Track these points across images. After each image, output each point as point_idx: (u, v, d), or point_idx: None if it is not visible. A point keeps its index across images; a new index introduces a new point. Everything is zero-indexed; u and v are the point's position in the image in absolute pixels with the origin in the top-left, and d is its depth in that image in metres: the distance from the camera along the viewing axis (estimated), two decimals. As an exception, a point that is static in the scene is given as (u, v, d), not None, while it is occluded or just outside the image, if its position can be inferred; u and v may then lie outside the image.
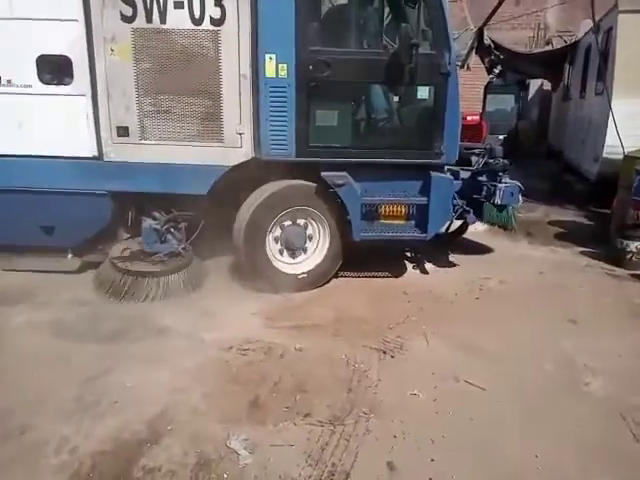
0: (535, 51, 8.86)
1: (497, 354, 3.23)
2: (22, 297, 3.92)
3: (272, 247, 4.13)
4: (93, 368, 3.00)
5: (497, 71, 8.02)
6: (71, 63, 3.75)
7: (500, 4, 6.78)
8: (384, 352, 3.24)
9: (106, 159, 3.93)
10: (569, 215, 6.96)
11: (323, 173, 3.93)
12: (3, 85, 3.79)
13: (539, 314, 3.83)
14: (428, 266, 4.76)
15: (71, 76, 3.78)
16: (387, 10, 4.04)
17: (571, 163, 8.66)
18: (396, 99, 4.13)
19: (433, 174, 4.00)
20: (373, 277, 4.43)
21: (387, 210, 4.16)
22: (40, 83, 3.80)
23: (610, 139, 6.50)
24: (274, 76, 3.73)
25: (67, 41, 3.72)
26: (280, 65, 3.71)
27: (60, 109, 3.84)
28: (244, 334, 3.39)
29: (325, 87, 3.78)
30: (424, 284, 4.38)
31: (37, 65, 3.76)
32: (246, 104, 3.81)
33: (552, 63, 8.59)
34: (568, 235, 5.98)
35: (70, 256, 4.38)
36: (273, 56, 3.70)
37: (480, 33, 7.10)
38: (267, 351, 3.22)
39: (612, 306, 4.03)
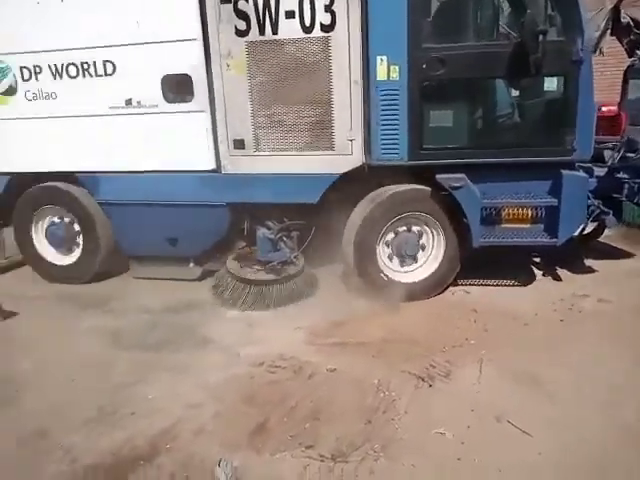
0: None
1: (563, 393, 2.74)
2: (94, 302, 4.21)
3: (383, 254, 4.01)
4: (126, 377, 3.07)
5: None
6: (192, 81, 3.93)
7: None
8: (423, 380, 2.91)
9: (224, 172, 4.08)
10: None
11: (438, 176, 3.73)
12: (134, 106, 4.09)
13: (636, 347, 3.19)
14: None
15: (192, 93, 3.97)
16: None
17: None
18: (520, 93, 3.79)
19: (564, 172, 3.62)
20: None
21: (510, 213, 3.84)
22: (165, 102, 4.04)
23: None
24: (386, 79, 3.60)
25: (188, 60, 3.91)
26: (392, 67, 3.57)
27: (183, 125, 4.05)
28: (280, 350, 3.27)
29: (439, 86, 3.58)
30: (501, 300, 3.90)
31: (162, 85, 4.00)
32: (357, 110, 3.72)
33: None
34: None
35: (192, 265, 4.62)
36: (384, 57, 3.57)
37: (616, 11, 6.29)
38: (297, 370, 3.07)
39: None
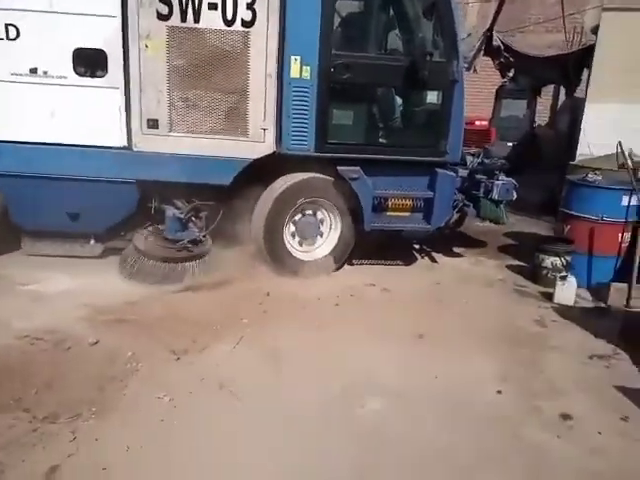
0: (548, 54, 8.43)
1: (294, 368, 3.08)
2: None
3: (288, 234, 4.44)
4: None
5: (510, 75, 7.83)
6: (106, 57, 3.95)
7: (501, 5, 6.88)
8: (175, 353, 3.15)
9: (135, 149, 4.16)
10: (536, 227, 6.44)
11: (339, 167, 4.26)
12: (39, 76, 3.97)
13: (389, 325, 3.63)
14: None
15: (105, 69, 3.99)
16: (402, 19, 4.39)
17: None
18: (407, 102, 4.48)
19: (439, 170, 4.40)
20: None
21: (395, 203, 4.53)
22: (75, 75, 3.99)
23: (583, 146, 6.48)
24: (298, 77, 4.03)
25: (103, 36, 3.92)
26: (304, 67, 4.02)
27: (94, 100, 4.04)
28: (53, 324, 3.35)
29: (344, 88, 4.11)
30: (296, 287, 4.19)
31: (73, 57, 3.95)
32: (270, 102, 4.10)
33: (567, 67, 7.98)
34: (511, 247, 5.81)
35: (92, 242, 4.58)
36: (298, 58, 4.00)
37: (489, 34, 7.22)
38: (58, 342, 3.17)
39: (483, 326, 3.75)
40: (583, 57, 7.59)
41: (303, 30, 3.96)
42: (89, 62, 3.99)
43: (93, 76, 4.03)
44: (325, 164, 4.31)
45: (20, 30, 3.88)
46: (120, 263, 4.36)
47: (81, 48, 3.94)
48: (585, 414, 2.84)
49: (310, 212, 4.49)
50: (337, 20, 4.07)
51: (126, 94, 4.04)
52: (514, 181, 4.64)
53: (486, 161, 4.87)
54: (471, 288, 4.52)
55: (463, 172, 4.97)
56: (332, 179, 4.34)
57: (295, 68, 4.02)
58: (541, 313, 4.12)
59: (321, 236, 4.55)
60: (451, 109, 4.25)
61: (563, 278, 4.31)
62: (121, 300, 3.79)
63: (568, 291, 4.29)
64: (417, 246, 5.44)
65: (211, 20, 3.91)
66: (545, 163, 8.60)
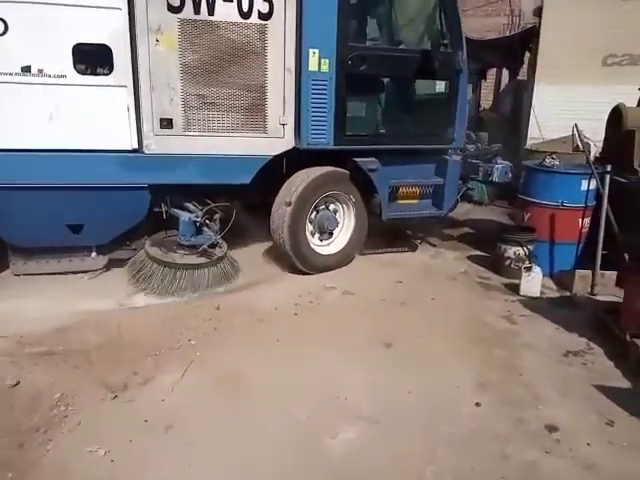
0: (487, 37, 8.76)
1: (252, 396, 2.73)
2: None
3: (307, 230, 4.39)
4: None
5: None
6: (111, 53, 3.63)
7: None
8: (112, 390, 2.72)
9: (147, 151, 3.87)
10: (491, 214, 6.23)
11: (357, 159, 4.28)
12: (34, 75, 3.55)
13: (354, 335, 3.37)
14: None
15: (111, 66, 3.66)
16: (411, 10, 4.46)
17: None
18: (418, 91, 4.59)
19: (449, 158, 4.57)
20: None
21: (405, 191, 4.65)
22: (75, 73, 3.62)
23: (533, 129, 6.94)
24: (317, 70, 3.97)
25: (108, 30, 3.59)
26: (322, 60, 3.96)
27: (98, 101, 3.70)
28: None
29: (361, 80, 4.12)
30: (248, 295, 3.91)
31: (73, 54, 3.58)
32: (289, 96, 4.01)
33: (509, 50, 8.21)
34: (469, 236, 5.60)
35: (94, 254, 4.21)
36: (316, 51, 3.94)
37: None
38: None
39: (451, 327, 3.56)
40: (524, 39, 7.91)
41: (321, 22, 3.89)
42: (91, 59, 3.66)
43: (96, 74, 3.70)
44: (340, 156, 4.30)
45: (8, 23, 3.44)
46: (132, 276, 4.06)
47: (82, 43, 3.59)
48: (570, 423, 2.65)
49: (324, 206, 4.46)
50: (352, 12, 4.04)
51: (135, 93, 3.74)
52: (510, 164, 4.93)
53: (479, 146, 5.12)
54: (434, 284, 4.28)
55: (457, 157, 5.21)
56: (347, 172, 4.35)
57: (313, 61, 3.95)
58: (508, 307, 3.95)
59: (338, 228, 4.55)
60: (457, 97, 4.42)
61: (528, 269, 4.14)
62: (50, 326, 3.29)
63: (534, 283, 4.12)
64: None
65: (226, 12, 3.73)
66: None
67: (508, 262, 4.46)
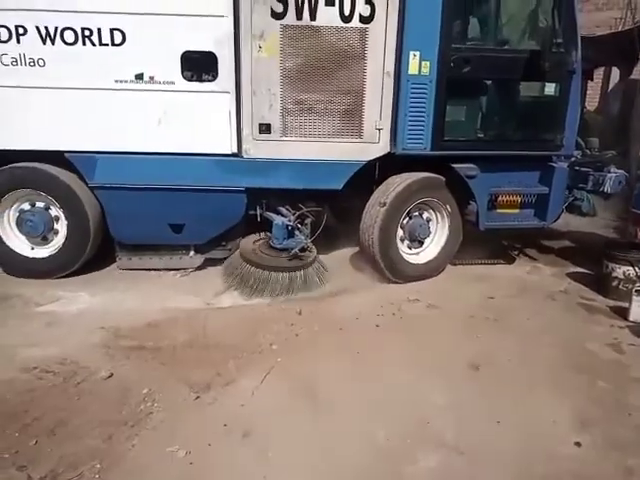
0: (598, 34, 8.04)
1: (331, 410, 2.64)
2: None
3: (398, 237, 4.27)
4: None
5: None
6: (216, 60, 3.74)
7: None
8: (195, 390, 2.76)
9: (245, 156, 3.97)
10: (594, 226, 5.61)
11: (456, 165, 4.10)
12: (145, 82, 3.76)
13: (438, 353, 3.18)
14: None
15: (216, 73, 3.78)
16: (521, 7, 4.21)
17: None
18: (524, 94, 4.31)
19: (556, 165, 4.25)
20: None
21: (504, 200, 4.38)
22: (183, 80, 3.78)
23: None
24: (417, 73, 3.85)
25: (214, 37, 3.71)
26: (423, 62, 3.83)
27: (202, 106, 3.84)
28: (66, 353, 3.02)
29: (463, 83, 3.94)
30: (334, 304, 3.81)
31: (181, 61, 3.74)
32: (387, 100, 3.92)
33: (623, 47, 7.29)
34: (571, 250, 5.15)
35: (192, 253, 4.39)
36: (417, 53, 3.82)
37: None
38: (69, 376, 2.82)
39: (548, 352, 3.26)
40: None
41: (423, 24, 3.77)
42: (198, 66, 3.79)
43: (202, 80, 3.83)
44: (434, 163, 4.15)
45: (126, 35, 3.67)
46: (227, 277, 4.17)
47: (190, 51, 3.74)
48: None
49: (417, 213, 4.32)
50: (457, 13, 3.87)
51: (237, 98, 3.84)
52: (626, 173, 4.50)
53: (588, 152, 4.72)
54: (530, 303, 3.95)
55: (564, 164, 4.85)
56: (443, 178, 4.19)
57: (414, 64, 3.83)
58: (615, 334, 3.56)
59: (429, 238, 4.39)
60: (568, 101, 4.10)
61: (639, 292, 3.72)
62: (143, 321, 3.45)
63: (646, 307, 3.65)
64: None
65: (328, 17, 3.71)
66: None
67: (616, 283, 4.06)
